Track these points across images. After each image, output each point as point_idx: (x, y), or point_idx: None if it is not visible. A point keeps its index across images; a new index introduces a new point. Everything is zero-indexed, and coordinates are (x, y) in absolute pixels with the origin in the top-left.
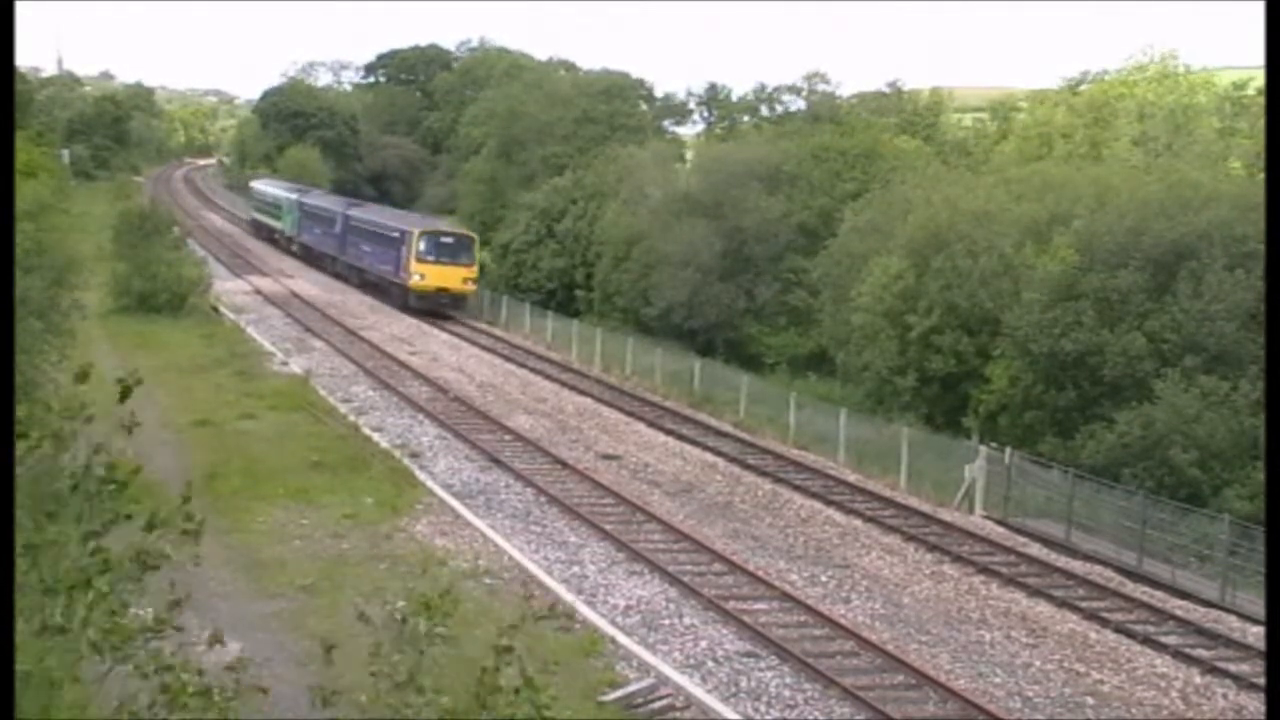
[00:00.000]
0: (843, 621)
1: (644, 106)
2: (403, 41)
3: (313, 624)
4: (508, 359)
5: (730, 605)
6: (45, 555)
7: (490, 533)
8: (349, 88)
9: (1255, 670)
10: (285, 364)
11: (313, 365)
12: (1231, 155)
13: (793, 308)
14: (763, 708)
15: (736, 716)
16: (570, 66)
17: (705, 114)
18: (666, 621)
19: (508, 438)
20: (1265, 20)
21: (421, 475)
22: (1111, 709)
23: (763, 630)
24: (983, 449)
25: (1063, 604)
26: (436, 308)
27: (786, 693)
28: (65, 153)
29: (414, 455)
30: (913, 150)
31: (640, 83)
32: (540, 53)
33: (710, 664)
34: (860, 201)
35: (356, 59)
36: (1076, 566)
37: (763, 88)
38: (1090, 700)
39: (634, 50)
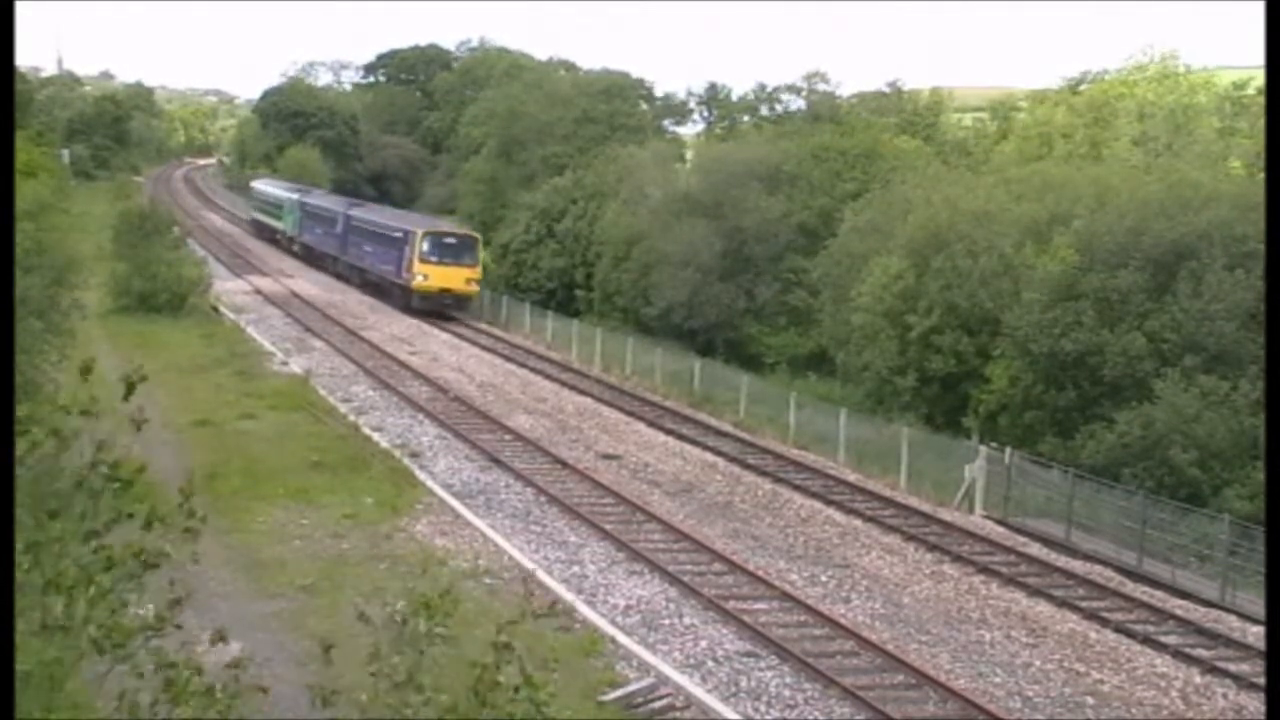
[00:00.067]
0: (843, 621)
1: (644, 106)
2: (403, 41)
3: (313, 624)
4: (508, 359)
5: (730, 605)
6: (47, 553)
7: (490, 532)
8: (349, 88)
9: (1255, 670)
10: (285, 364)
11: (313, 365)
12: (1231, 155)
13: (793, 308)
14: (763, 708)
15: (736, 716)
16: (570, 66)
17: (705, 114)
18: (666, 621)
19: (508, 437)
20: (1265, 20)
21: (421, 475)
22: (1111, 709)
23: (763, 630)
24: (983, 449)
25: (1063, 604)
26: (439, 309)
27: (786, 693)
28: (65, 153)
29: (414, 455)
30: (913, 150)
31: (640, 83)
32: (540, 53)
33: (710, 664)
34: (860, 201)
35: (356, 59)
36: (1076, 566)
37: (763, 88)
38: (1090, 700)
39: (634, 50)
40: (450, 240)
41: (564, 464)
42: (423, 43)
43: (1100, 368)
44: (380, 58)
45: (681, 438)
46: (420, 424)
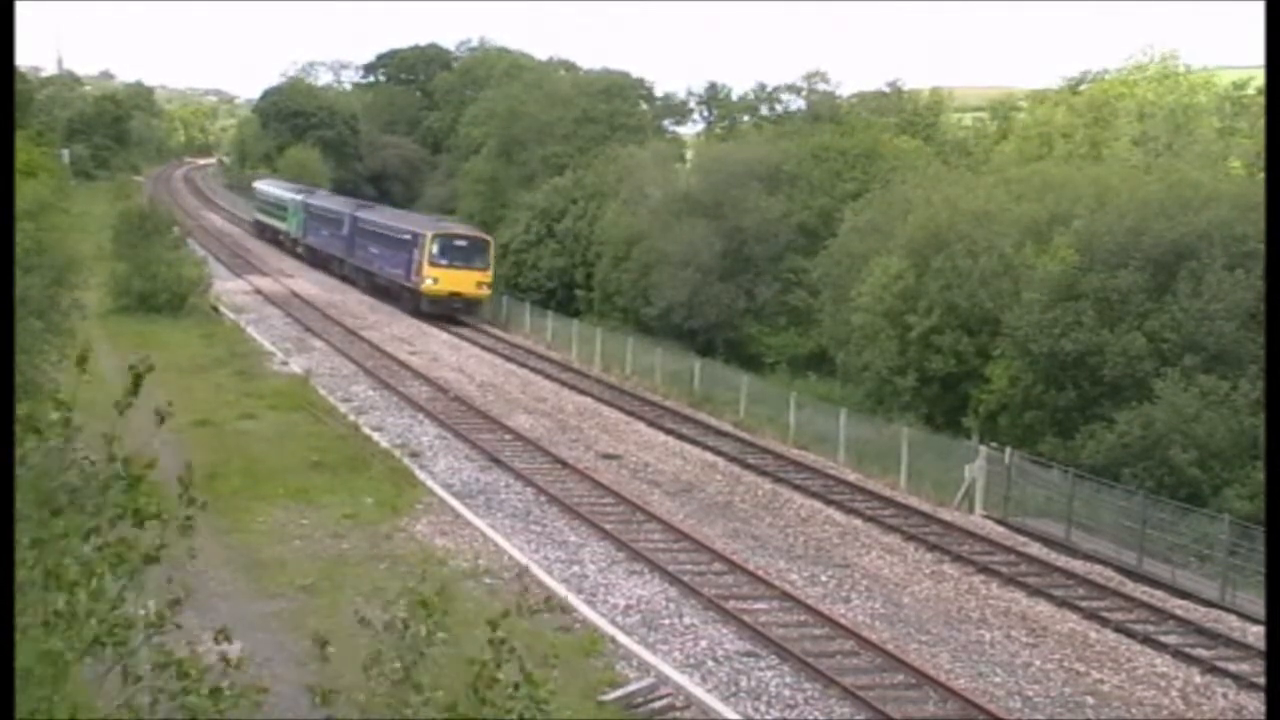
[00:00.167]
0: (843, 621)
1: (644, 106)
2: (403, 41)
3: (313, 624)
4: (508, 359)
5: (730, 605)
6: (52, 550)
7: (490, 532)
8: (349, 88)
9: (1255, 670)
10: (285, 364)
11: (313, 365)
12: (1231, 155)
13: (793, 308)
14: (763, 707)
15: (736, 716)
16: (570, 66)
17: (705, 114)
18: (666, 621)
19: (508, 437)
20: (1265, 20)
21: (421, 475)
22: (1111, 709)
23: (763, 630)
24: (983, 449)
25: (1063, 604)
26: (450, 313)
27: (786, 692)
28: (65, 153)
29: (414, 455)
30: (913, 150)
31: (640, 82)
32: (540, 53)
33: (710, 663)
34: (860, 201)
35: (356, 59)
36: (1076, 566)
37: (763, 87)
38: (1090, 700)
39: (634, 50)
40: (461, 243)
41: (564, 464)
42: (423, 43)
43: (1100, 368)
44: (380, 58)
45: (681, 437)
46: (420, 424)
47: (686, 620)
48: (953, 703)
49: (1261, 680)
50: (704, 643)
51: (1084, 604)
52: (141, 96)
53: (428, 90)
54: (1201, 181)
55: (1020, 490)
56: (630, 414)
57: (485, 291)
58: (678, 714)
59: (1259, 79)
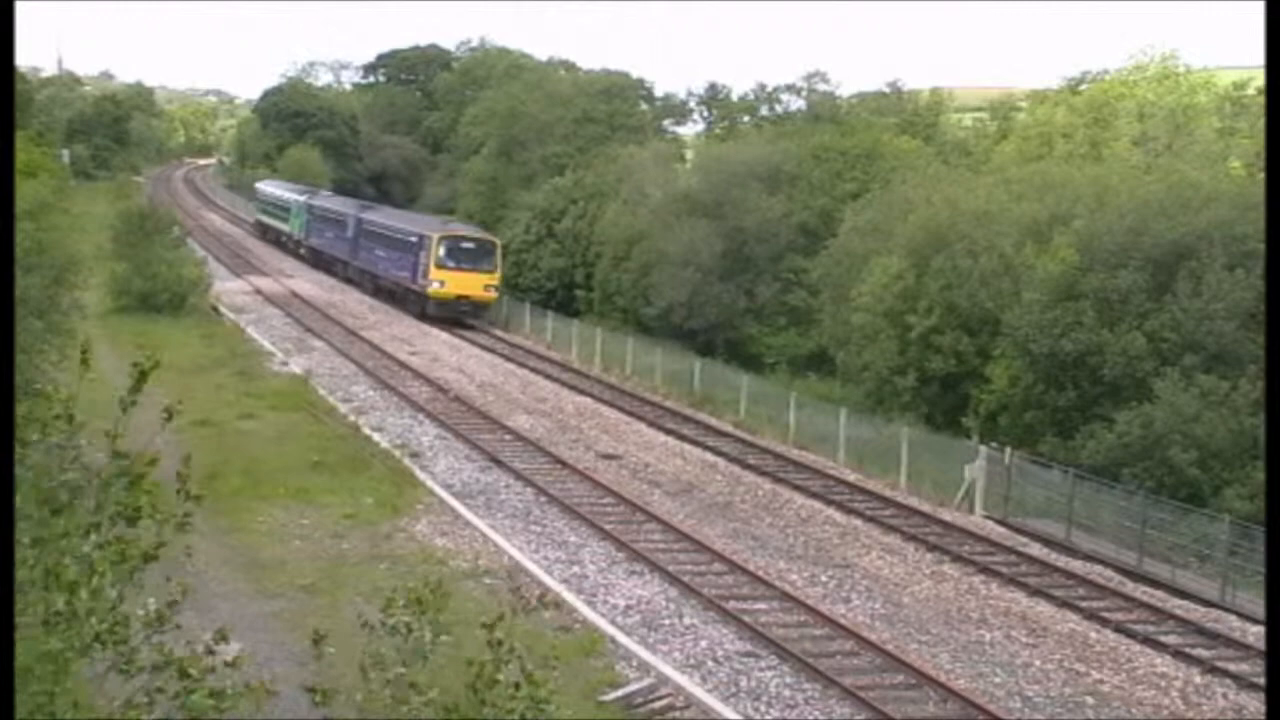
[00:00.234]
0: (843, 621)
1: (644, 106)
2: (403, 41)
3: (313, 624)
4: (508, 359)
5: (730, 605)
6: (52, 549)
7: (490, 532)
8: (349, 88)
9: (1255, 670)
10: (285, 364)
11: (313, 365)
12: (1231, 155)
13: (793, 308)
14: (763, 708)
15: (736, 716)
16: (570, 66)
17: (705, 114)
18: (666, 621)
19: (508, 437)
20: (1265, 20)
21: (421, 475)
22: (1111, 709)
23: (763, 630)
24: (983, 449)
25: (1063, 604)
26: (457, 316)
27: (786, 693)
28: (65, 153)
29: (414, 455)
30: (913, 150)
31: (640, 83)
32: (540, 53)
33: (710, 664)
34: (860, 201)
35: (356, 59)
36: (1076, 566)
37: (763, 88)
38: (1090, 700)
39: (634, 50)
40: (468, 245)
41: (564, 464)
42: (423, 43)
43: (1100, 368)
44: (380, 58)
45: (682, 438)
46: (420, 424)
47: (686, 620)
48: (953, 703)
49: (1261, 680)
50: (704, 643)
51: (1084, 604)
52: (141, 97)
53: (428, 90)
54: (1201, 181)
55: (1020, 490)
56: (630, 414)
57: (492, 294)
58: (678, 714)
59: (1259, 79)
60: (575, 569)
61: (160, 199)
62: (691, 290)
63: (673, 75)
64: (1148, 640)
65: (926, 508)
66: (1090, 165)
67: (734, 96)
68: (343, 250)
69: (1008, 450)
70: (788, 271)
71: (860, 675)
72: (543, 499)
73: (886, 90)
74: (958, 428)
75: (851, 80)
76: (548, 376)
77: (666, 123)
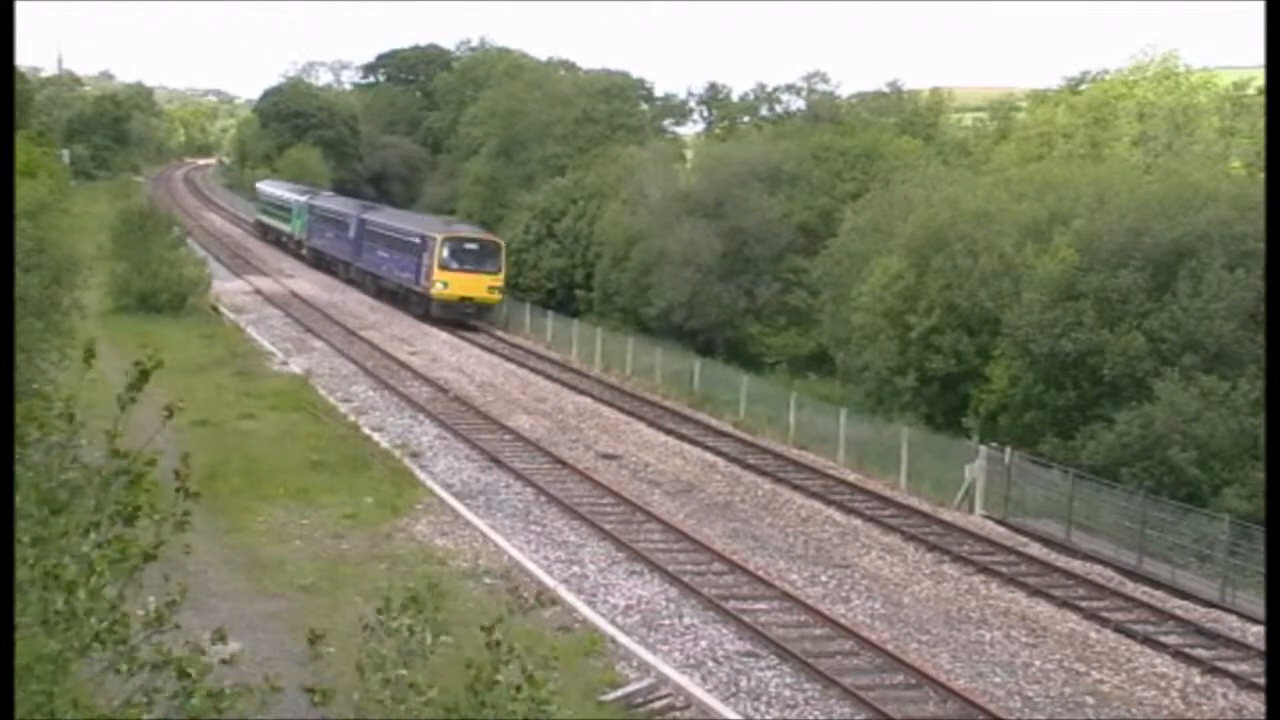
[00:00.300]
0: (843, 621)
1: (644, 106)
2: (403, 41)
3: (313, 624)
4: (508, 359)
5: (730, 605)
6: (52, 548)
7: (490, 532)
8: (349, 88)
9: (1255, 670)
10: (285, 364)
11: (313, 365)
12: (1231, 155)
13: (793, 308)
14: (763, 708)
15: (736, 716)
16: (570, 66)
17: (705, 114)
18: (666, 621)
19: (508, 437)
20: (1265, 20)
21: (421, 475)
22: (1111, 709)
23: (763, 630)
24: (983, 449)
25: (1063, 604)
26: (461, 318)
27: (786, 692)
28: (65, 153)
29: (414, 455)
30: (913, 150)
31: (640, 83)
32: (540, 53)
33: (710, 664)
34: (860, 201)
35: (356, 59)
36: (1076, 566)
37: (763, 88)
38: (1090, 700)
39: (634, 50)
40: (472, 246)
41: (564, 464)
42: (423, 43)
43: (1100, 368)
44: (380, 58)
45: (681, 438)
46: (420, 424)
47: (686, 620)
48: (953, 703)
49: (1261, 680)
50: (704, 643)
51: (1084, 604)
52: (141, 97)
53: (428, 90)
54: (1201, 181)
55: (1020, 490)
56: (630, 414)
57: (497, 296)
58: (678, 714)
59: (1259, 79)
60: (575, 569)
61: (160, 199)
62: (691, 290)
63: (673, 75)
64: (1148, 640)
65: (926, 508)
66: (1090, 165)
67: (734, 96)
68: (345, 251)
69: (1008, 450)
70: (788, 271)
71: (860, 675)
72: (543, 499)
73: (886, 90)
74: (958, 428)
75: (851, 80)
76: (548, 376)
77: (666, 123)
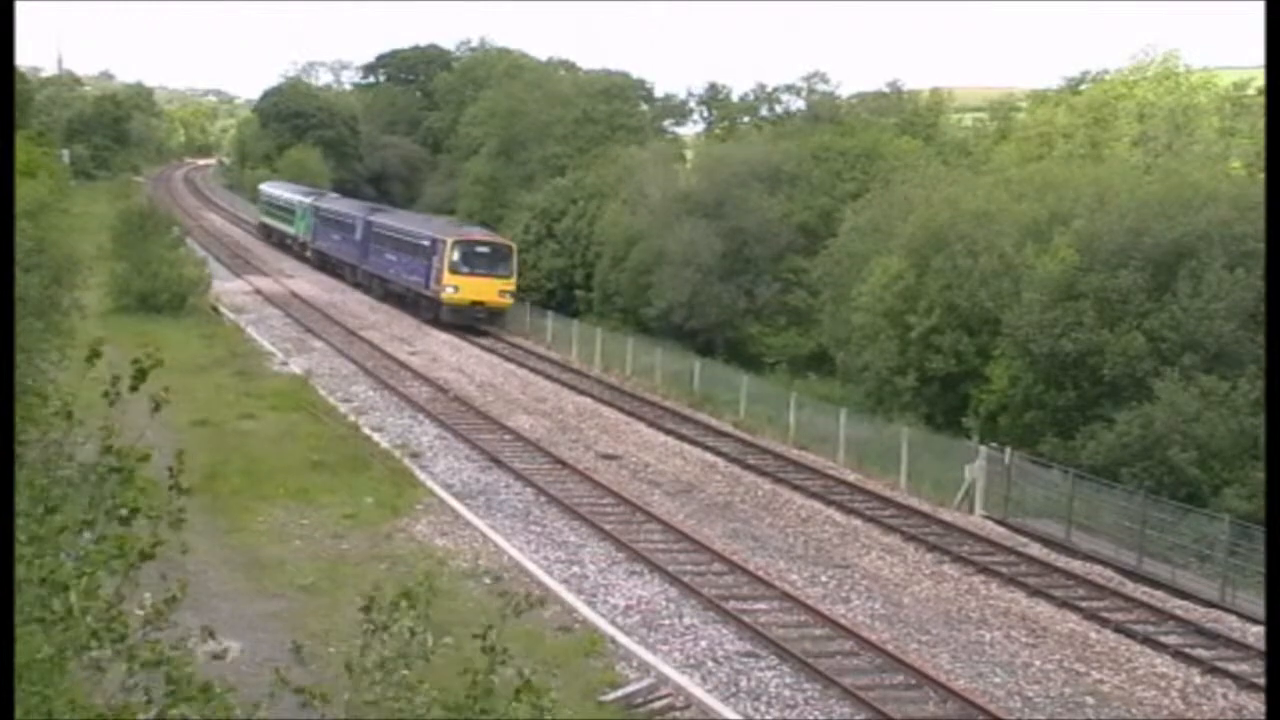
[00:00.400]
0: (843, 621)
1: (644, 106)
2: (403, 41)
3: (313, 624)
4: (507, 359)
5: (730, 605)
6: (49, 547)
7: (490, 533)
8: (349, 88)
9: (1255, 670)
10: (285, 364)
11: (313, 365)
12: (1231, 155)
13: (793, 308)
14: (763, 708)
15: (736, 716)
16: (570, 66)
17: (705, 114)
18: (666, 621)
19: (508, 438)
20: (1265, 20)
21: (421, 475)
22: (1111, 709)
23: (763, 630)
24: (983, 449)
25: (1063, 604)
26: (471, 323)
27: (786, 693)
28: (65, 153)
29: (414, 455)
30: (913, 150)
31: (640, 83)
32: (540, 53)
33: (710, 664)
34: (860, 201)
35: (356, 59)
36: (1076, 566)
37: (763, 88)
38: (1090, 700)
39: (634, 50)
40: (483, 249)
41: (564, 464)
42: (423, 43)
43: (1100, 368)
44: (380, 58)
45: (681, 438)
46: (420, 424)
47: (686, 620)
48: (952, 703)
49: (1261, 680)
50: (704, 643)
51: (1084, 604)
52: (141, 97)
53: (428, 90)
54: (1201, 182)
55: (1020, 490)
56: (630, 414)
57: (508, 300)
58: (678, 714)
59: (1259, 79)
60: (575, 569)
61: (160, 199)
62: (691, 290)
63: (673, 75)
64: (1148, 640)
65: (926, 508)
66: (1090, 165)
67: (734, 97)
68: (351, 254)
69: (1008, 450)
70: (788, 271)
71: (860, 675)
72: (542, 499)
73: (886, 90)
74: (958, 428)
75: (851, 80)
76: (548, 376)
77: (666, 123)
